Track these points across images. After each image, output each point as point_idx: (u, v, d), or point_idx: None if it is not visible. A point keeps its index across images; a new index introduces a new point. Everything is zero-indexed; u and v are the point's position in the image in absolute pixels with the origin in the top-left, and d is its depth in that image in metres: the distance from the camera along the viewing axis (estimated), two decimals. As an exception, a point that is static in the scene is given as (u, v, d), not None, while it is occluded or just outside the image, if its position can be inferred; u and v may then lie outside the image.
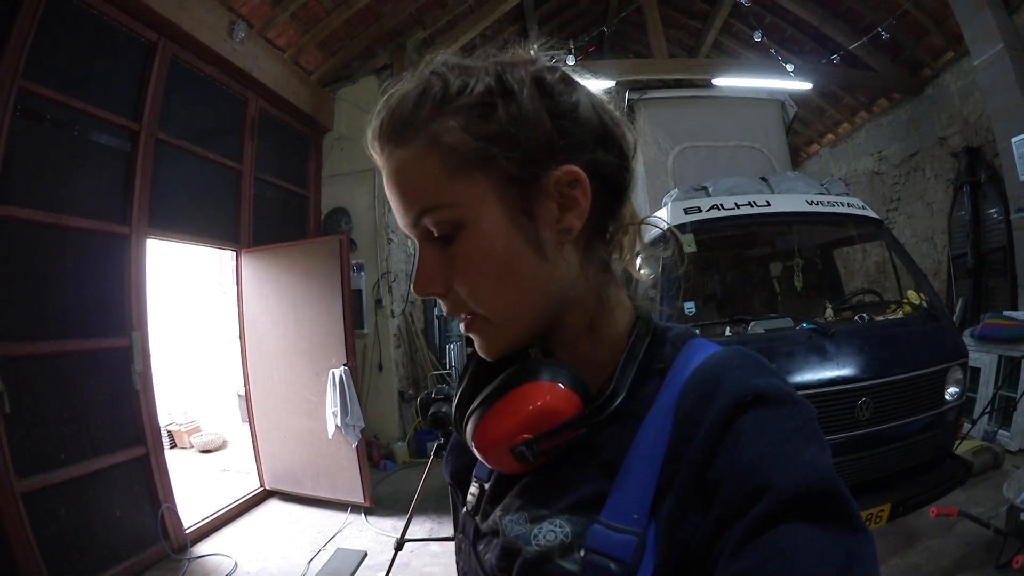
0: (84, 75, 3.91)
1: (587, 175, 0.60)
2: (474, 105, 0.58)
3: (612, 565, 0.53)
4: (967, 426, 4.32)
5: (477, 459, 0.71)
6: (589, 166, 0.61)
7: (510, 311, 0.63)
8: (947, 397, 3.34)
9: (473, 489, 0.76)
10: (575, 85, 0.64)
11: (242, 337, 5.64)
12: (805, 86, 7.10)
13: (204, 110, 5.14)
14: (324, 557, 4.27)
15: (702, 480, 0.52)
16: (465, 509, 0.77)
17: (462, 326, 0.67)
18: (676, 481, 0.53)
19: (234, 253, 5.60)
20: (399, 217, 0.63)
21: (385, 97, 0.63)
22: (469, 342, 0.69)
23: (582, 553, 0.55)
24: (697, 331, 0.71)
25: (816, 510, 0.46)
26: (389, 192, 0.63)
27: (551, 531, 0.59)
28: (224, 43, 4.89)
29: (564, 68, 0.66)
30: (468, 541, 0.73)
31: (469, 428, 0.65)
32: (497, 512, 0.67)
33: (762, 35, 7.28)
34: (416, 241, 0.64)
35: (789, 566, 0.44)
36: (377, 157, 0.64)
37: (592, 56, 8.19)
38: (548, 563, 0.58)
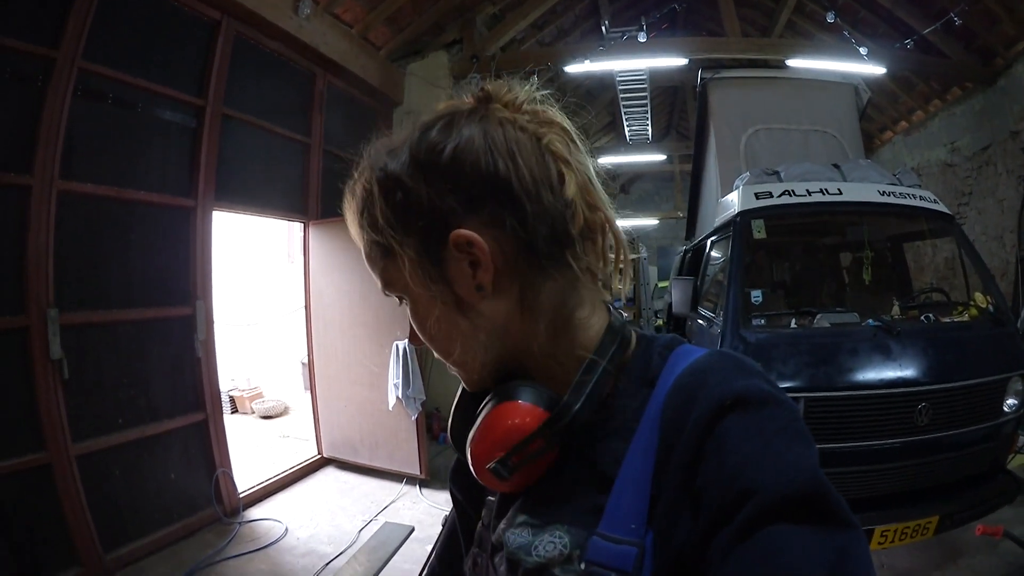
0: (146, 54, 3.80)
1: (489, 224, 0.60)
2: (370, 205, 0.64)
3: None
4: (1022, 439, 3.93)
5: None
6: (489, 216, 0.60)
7: (459, 359, 0.67)
8: (1005, 408, 3.14)
9: (489, 504, 0.75)
10: (452, 132, 0.62)
11: (308, 307, 5.59)
12: (879, 70, 6.45)
13: (271, 85, 4.98)
14: (375, 528, 4.14)
15: (689, 486, 0.51)
16: (481, 523, 0.76)
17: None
18: (664, 488, 0.52)
19: (302, 225, 5.53)
20: None
21: (346, 187, 0.69)
22: None
23: (582, 565, 0.54)
24: (684, 339, 0.68)
25: (803, 510, 0.45)
26: None
27: (550, 542, 0.58)
28: (289, 20, 4.68)
29: (453, 111, 0.65)
30: (486, 555, 0.72)
31: (468, 454, 0.65)
32: (501, 526, 0.67)
33: (835, 16, 6.75)
34: None
35: (779, 568, 0.42)
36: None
37: (665, 33, 7.79)
38: (547, 574, 0.57)
